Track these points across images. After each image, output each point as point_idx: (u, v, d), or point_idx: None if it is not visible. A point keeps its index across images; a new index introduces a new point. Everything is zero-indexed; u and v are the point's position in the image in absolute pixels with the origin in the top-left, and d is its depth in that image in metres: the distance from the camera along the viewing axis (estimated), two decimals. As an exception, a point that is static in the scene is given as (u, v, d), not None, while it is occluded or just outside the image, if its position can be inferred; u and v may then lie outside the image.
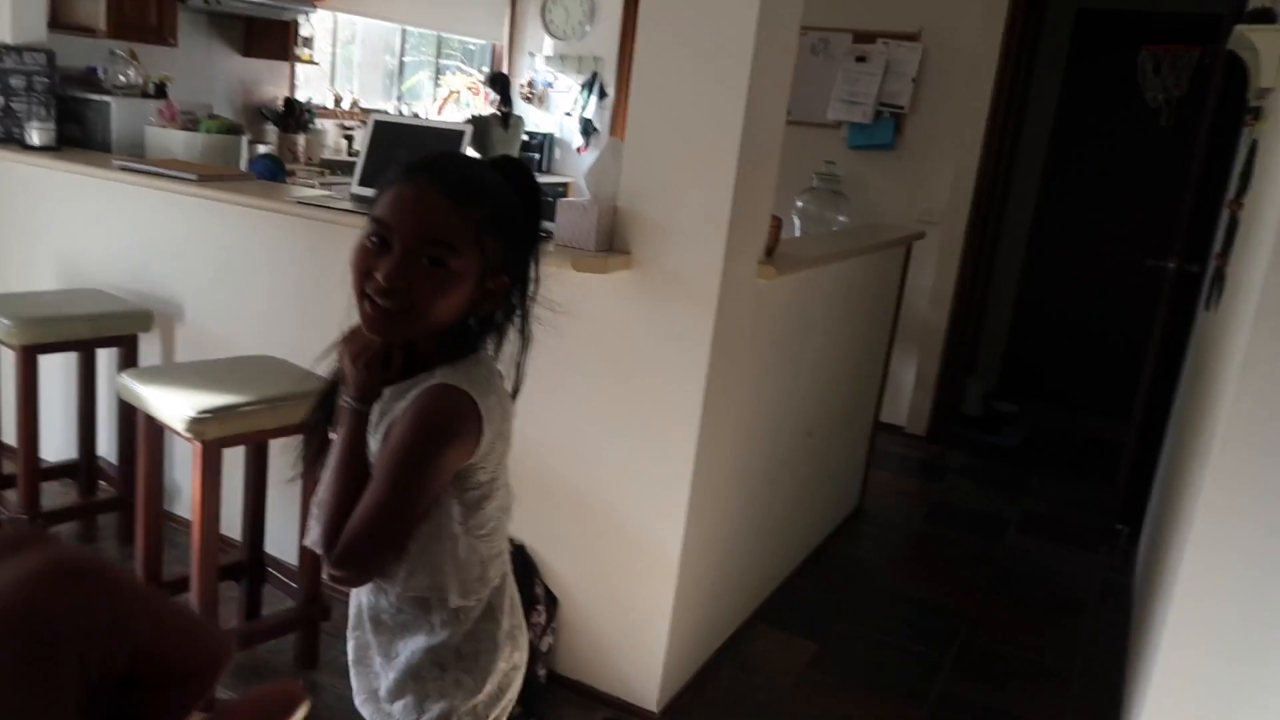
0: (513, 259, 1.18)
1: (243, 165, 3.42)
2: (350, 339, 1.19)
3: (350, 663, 1.31)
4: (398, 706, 1.23)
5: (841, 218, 4.37)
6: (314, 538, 1.19)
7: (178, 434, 2.10)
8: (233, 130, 3.45)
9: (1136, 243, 5.02)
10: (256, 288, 2.81)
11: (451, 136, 2.70)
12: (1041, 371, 5.81)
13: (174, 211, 2.88)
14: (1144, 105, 5.25)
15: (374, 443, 1.17)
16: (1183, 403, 3.32)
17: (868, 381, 3.81)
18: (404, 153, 2.69)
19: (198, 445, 2.06)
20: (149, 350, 2.92)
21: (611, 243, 2.29)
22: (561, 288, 2.29)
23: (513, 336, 1.25)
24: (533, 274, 1.23)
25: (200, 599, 2.16)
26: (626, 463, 2.37)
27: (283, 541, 2.65)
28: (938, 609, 3.24)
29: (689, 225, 2.21)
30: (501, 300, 1.19)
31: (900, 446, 4.92)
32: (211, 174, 2.81)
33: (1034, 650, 3.03)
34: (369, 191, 2.62)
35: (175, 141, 3.25)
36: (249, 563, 2.54)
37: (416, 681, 1.22)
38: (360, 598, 1.27)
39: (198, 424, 2.03)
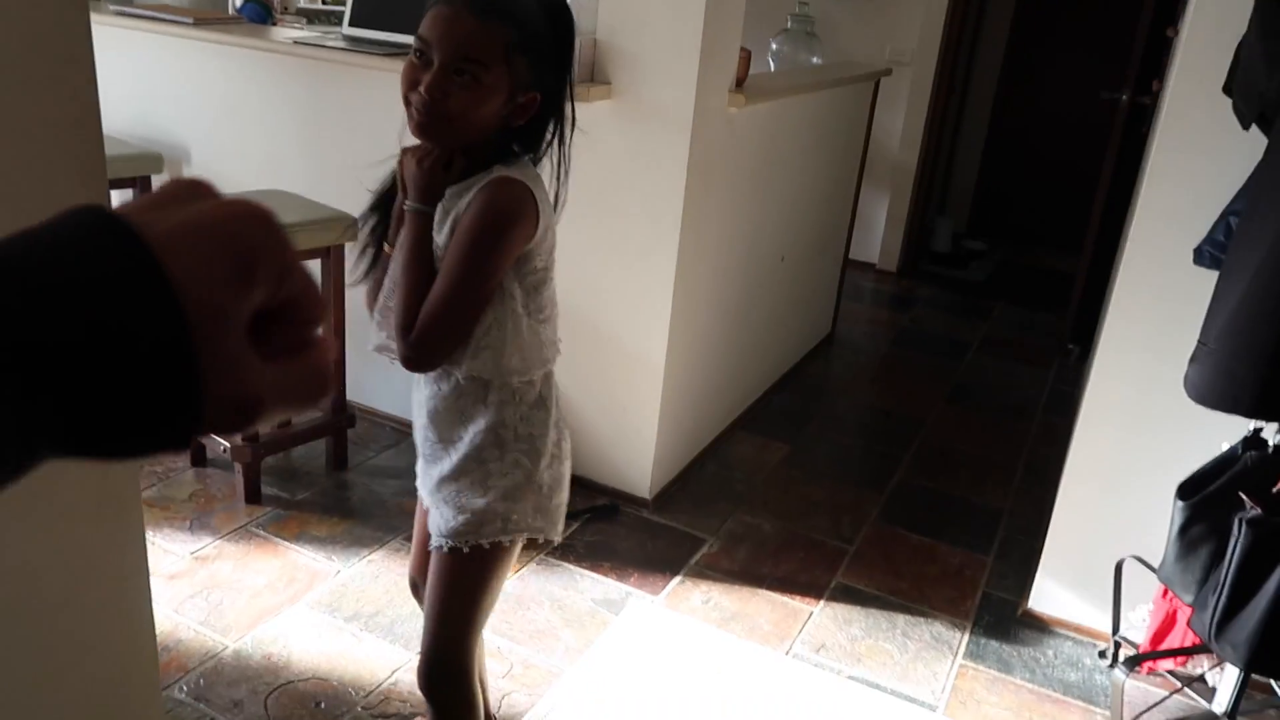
0: (542, 78, 1.26)
1: (229, 11, 3.51)
2: (412, 150, 1.30)
3: (420, 457, 1.44)
4: (463, 483, 1.34)
5: (815, 59, 4.49)
6: (381, 338, 1.32)
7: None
8: (217, -22, 3.52)
9: (1099, 78, 5.16)
10: (258, 127, 2.98)
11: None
12: (1009, 210, 6.03)
13: (171, 56, 3.02)
14: (1113, -61, 5.29)
15: (440, 239, 1.27)
16: (1126, 227, 3.57)
17: (838, 215, 4.03)
18: (390, -6, 2.80)
19: (227, 267, 2.28)
20: (160, 195, 3.10)
21: (593, 74, 2.46)
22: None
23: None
24: (566, 97, 1.31)
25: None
26: (614, 279, 2.61)
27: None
28: (899, 417, 3.57)
29: (663, 56, 2.38)
30: (534, 115, 1.28)
31: (872, 281, 5.19)
32: (205, 18, 2.93)
33: (984, 448, 3.38)
34: (360, 31, 2.77)
35: (163, -10, 3.33)
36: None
37: (479, 463, 1.33)
38: (422, 391, 1.37)
39: (226, 246, 2.25)
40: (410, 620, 2.22)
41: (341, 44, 2.68)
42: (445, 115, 1.21)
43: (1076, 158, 5.65)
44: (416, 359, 1.28)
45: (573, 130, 1.34)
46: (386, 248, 1.35)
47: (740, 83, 2.66)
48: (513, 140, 1.30)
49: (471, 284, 1.24)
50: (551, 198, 1.34)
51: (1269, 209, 1.52)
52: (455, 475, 1.35)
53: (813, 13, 4.48)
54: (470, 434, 1.33)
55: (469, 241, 1.23)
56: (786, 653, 2.25)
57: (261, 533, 2.52)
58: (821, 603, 2.44)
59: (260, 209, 0.35)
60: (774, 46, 4.52)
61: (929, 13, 4.92)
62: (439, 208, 1.28)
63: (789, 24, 4.56)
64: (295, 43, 2.68)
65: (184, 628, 2.14)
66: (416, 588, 1.64)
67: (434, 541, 1.39)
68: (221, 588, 2.29)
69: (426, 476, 1.42)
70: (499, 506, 1.35)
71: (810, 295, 3.92)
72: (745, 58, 2.67)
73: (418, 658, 1.51)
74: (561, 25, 1.29)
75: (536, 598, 2.35)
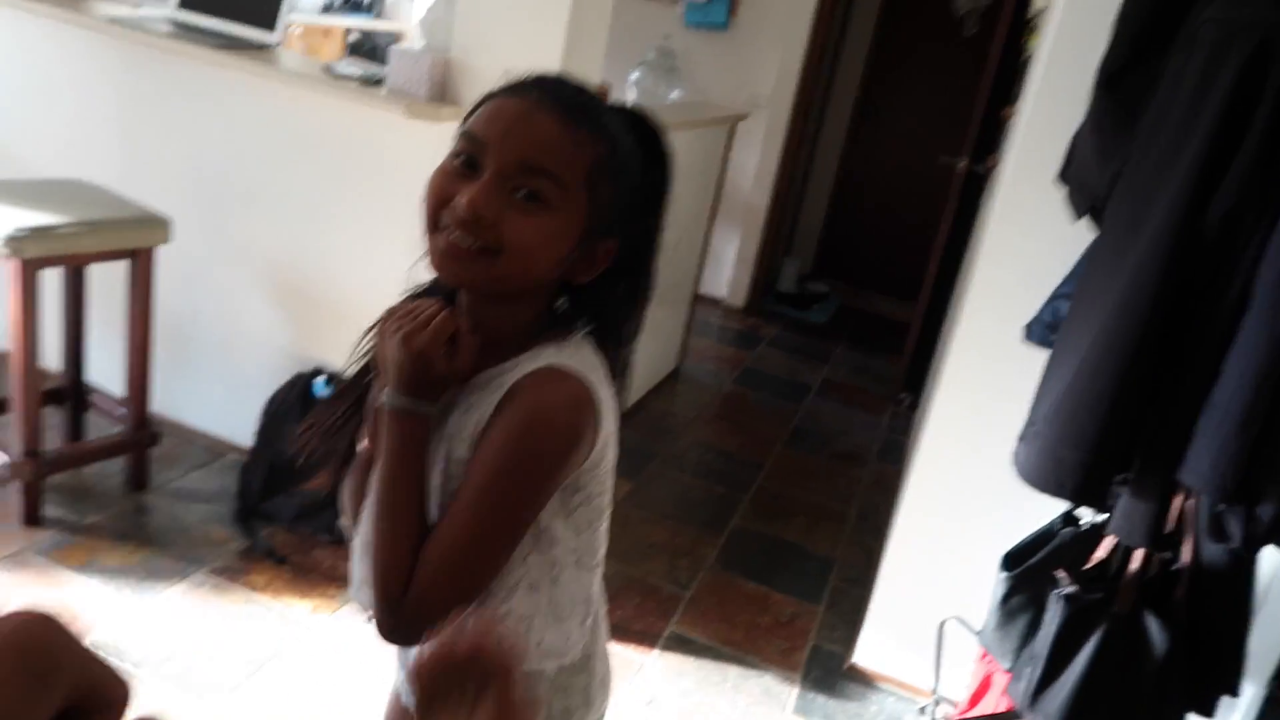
0: (626, 221, 0.93)
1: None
2: (400, 315, 0.89)
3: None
4: None
5: (675, 94, 4.50)
6: (366, 597, 0.90)
7: (-8, 252, 2.06)
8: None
9: (941, 141, 5.42)
10: (64, 108, 2.69)
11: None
12: (852, 255, 6.25)
13: (-30, 22, 2.69)
14: (955, 13, 5.59)
15: (455, 449, 0.90)
16: (958, 288, 3.73)
17: (690, 251, 4.04)
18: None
19: (16, 263, 2.03)
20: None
21: (444, 93, 2.34)
22: (393, 135, 2.36)
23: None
24: (652, 256, 0.98)
25: (25, 422, 2.17)
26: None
27: (104, 369, 2.63)
28: (739, 459, 3.58)
29: (523, 80, 2.29)
30: (604, 272, 0.93)
31: (719, 318, 5.24)
32: (14, -16, 2.62)
33: (818, 494, 3.43)
34: (190, 16, 2.55)
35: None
36: (70, 389, 2.52)
37: None
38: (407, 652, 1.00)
39: (15, 242, 2.00)
40: (206, 664, 2.02)
41: (167, 28, 2.45)
42: (491, 246, 0.84)
43: (916, 211, 5.90)
44: (403, 632, 0.88)
45: (648, 292, 0.99)
46: (359, 445, 0.98)
47: (602, 114, 2.60)
48: (569, 301, 0.96)
49: (498, 531, 0.87)
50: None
51: (1094, 300, 1.57)
52: None
53: (675, 47, 4.50)
54: None
55: (496, 468, 0.85)
56: (613, 705, 2.17)
57: (40, 559, 2.24)
58: (655, 652, 2.38)
59: (40, 614, 0.35)
60: (634, 76, 4.50)
61: (785, 57, 5.03)
62: (449, 404, 0.91)
63: (650, 56, 4.57)
64: (112, 21, 2.43)
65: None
66: None
67: None
68: (-17, 627, 2.01)
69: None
70: None
71: (658, 330, 3.90)
72: (604, 92, 2.61)
73: None
74: (656, 156, 0.97)
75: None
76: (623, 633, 2.42)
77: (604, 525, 0.99)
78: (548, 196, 0.85)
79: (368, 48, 5.82)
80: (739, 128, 4.17)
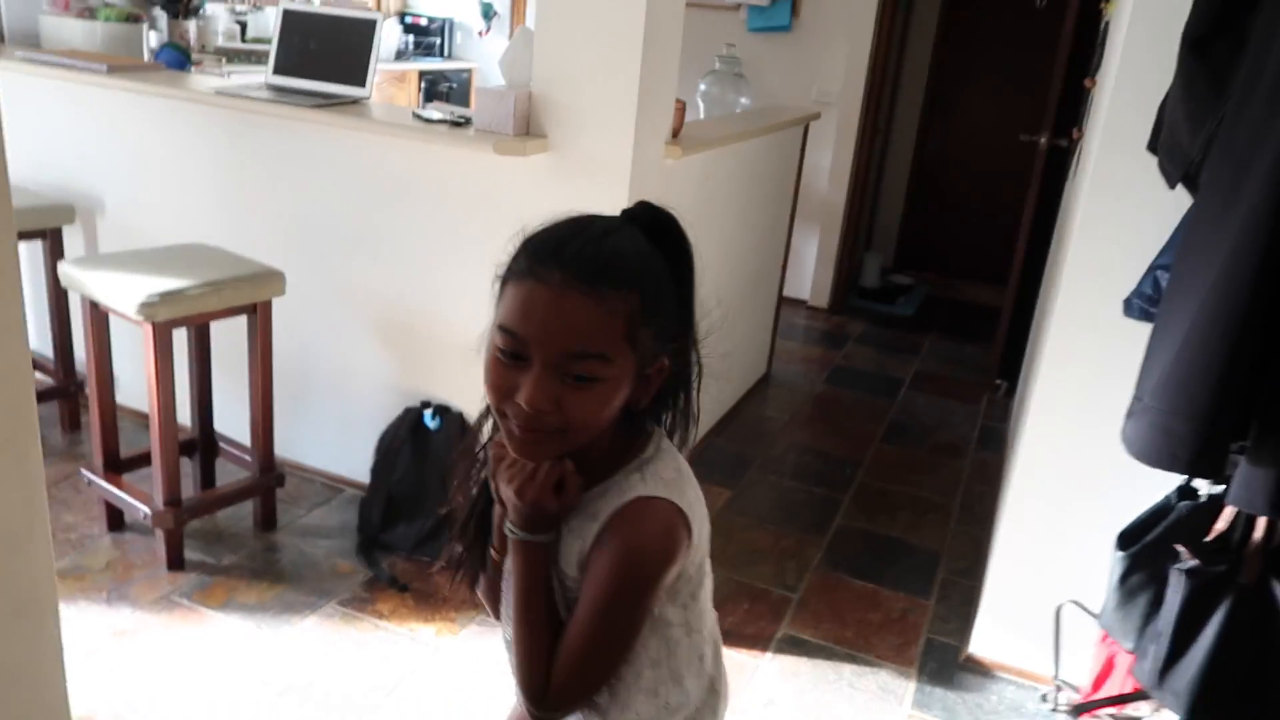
0: (669, 338, 0.99)
1: (145, 54, 3.40)
2: (509, 464, 0.99)
3: None
4: None
5: (743, 100, 4.55)
6: (519, 688, 1.04)
7: (126, 318, 2.23)
8: (132, 18, 3.41)
9: (1017, 120, 5.34)
10: (176, 178, 2.88)
11: (363, 26, 2.76)
12: (934, 244, 6.18)
13: (84, 104, 2.91)
14: (1025, -14, 5.49)
15: (566, 569, 1.01)
16: (1049, 267, 3.67)
17: (772, 256, 4.07)
18: (315, 43, 2.76)
19: (148, 328, 2.19)
20: (72, 243, 2.98)
21: (529, 127, 2.44)
22: (484, 171, 2.47)
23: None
24: (693, 342, 1.05)
25: (164, 473, 2.33)
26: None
27: (229, 419, 2.80)
28: (837, 458, 3.59)
29: (600, 109, 2.37)
30: (664, 382, 1.01)
31: (804, 319, 5.25)
32: (120, 65, 2.83)
33: (920, 488, 3.42)
34: (285, 80, 2.71)
35: (73, 31, 3.21)
36: (200, 440, 2.69)
37: None
38: None
39: (149, 307, 2.16)
40: (344, 688, 2.14)
41: (265, 94, 2.61)
42: (560, 427, 0.92)
43: (996, 193, 5.81)
44: (547, 716, 1.03)
45: (697, 367, 1.06)
46: (493, 555, 1.10)
47: (676, 133, 2.67)
48: (645, 417, 1.04)
49: (615, 637, 0.99)
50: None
51: (1197, 268, 1.56)
52: None
53: (739, 54, 4.54)
54: None
55: (606, 595, 0.96)
56: (732, 709, 2.21)
57: (185, 602, 2.40)
58: (768, 654, 2.42)
59: None
60: (702, 88, 4.56)
61: (853, 53, 5.02)
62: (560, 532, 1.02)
63: (717, 65, 4.62)
64: (217, 92, 2.60)
65: (103, 713, 2.02)
66: None
67: None
68: (143, 664, 2.17)
69: None
70: None
71: (746, 337, 3.94)
72: (680, 109, 2.68)
73: None
74: (679, 258, 1.02)
75: (478, 662, 2.28)
76: (735, 638, 2.46)
77: (706, 589, 1.09)
78: (597, 373, 0.91)
79: (442, 88, 6.02)
80: (811, 127, 4.18)
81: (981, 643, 2.43)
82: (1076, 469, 2.23)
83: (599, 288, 0.89)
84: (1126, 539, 1.83)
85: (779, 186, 3.95)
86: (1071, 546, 2.25)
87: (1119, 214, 2.08)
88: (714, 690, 1.14)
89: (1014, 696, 2.34)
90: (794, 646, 2.46)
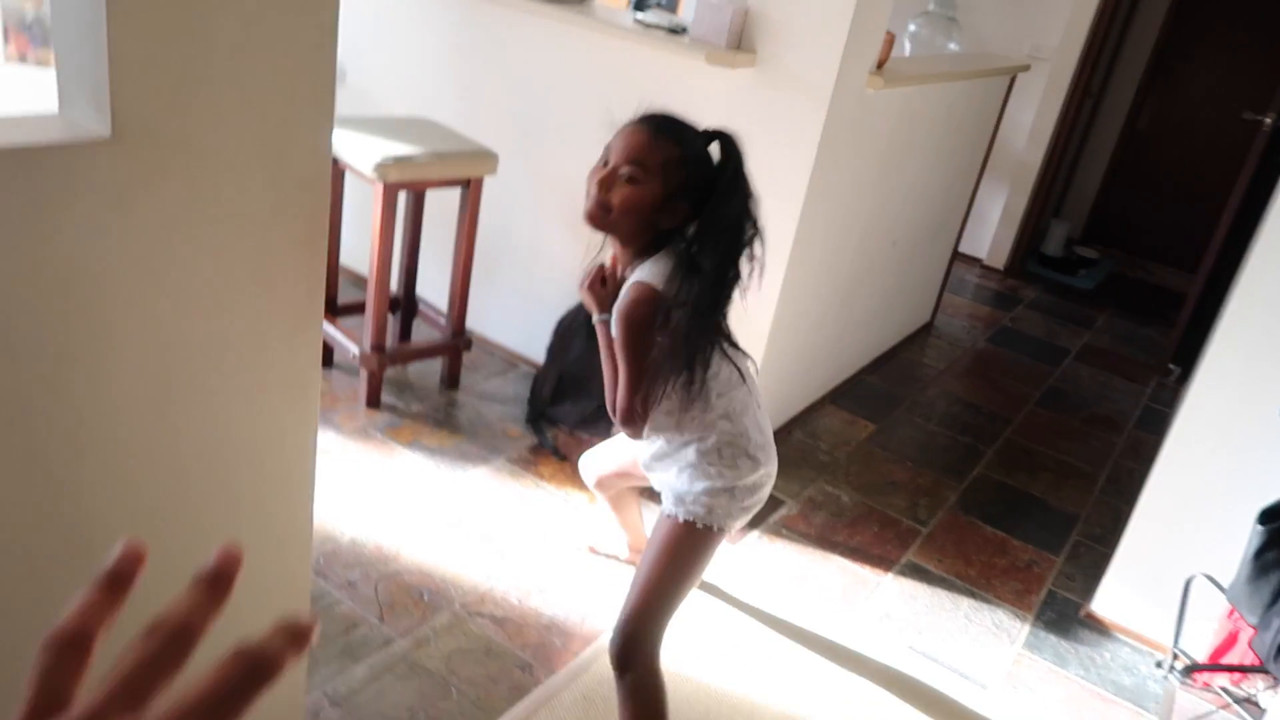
0: (691, 193, 1.52)
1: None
2: (580, 284, 1.66)
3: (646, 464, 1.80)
4: (681, 478, 1.68)
5: (952, 45, 4.47)
6: (613, 416, 1.65)
7: (362, 176, 2.51)
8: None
9: (1244, 97, 5.01)
10: (413, 55, 3.16)
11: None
12: (1128, 222, 5.91)
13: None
14: (1284, -47, 5.09)
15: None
16: (1248, 256, 3.51)
17: (954, 206, 4.05)
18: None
19: (379, 187, 2.47)
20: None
21: (740, 41, 2.55)
22: (694, 79, 2.61)
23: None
24: (721, 214, 1.53)
25: (374, 321, 2.64)
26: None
27: (431, 284, 3.10)
28: (987, 412, 3.62)
29: (811, 29, 2.46)
30: (680, 221, 1.55)
31: (977, 276, 5.18)
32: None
33: (1068, 453, 3.41)
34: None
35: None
36: (404, 299, 3.01)
37: (690, 471, 1.66)
38: (642, 449, 1.74)
39: (383, 168, 2.43)
40: (505, 531, 2.41)
41: (503, -12, 2.81)
42: (606, 205, 1.52)
43: (1206, 175, 5.50)
44: (629, 431, 1.64)
45: (754, 248, 1.56)
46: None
47: (881, 64, 2.72)
48: (666, 239, 1.57)
49: (633, 370, 1.56)
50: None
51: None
52: (674, 479, 1.69)
53: (956, -2, 4.45)
54: (683, 460, 1.67)
55: (620, 342, 1.57)
56: (850, 617, 2.37)
57: (379, 435, 2.73)
58: (890, 575, 2.55)
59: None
60: (912, 29, 4.51)
61: (1076, 8, 4.82)
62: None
63: (931, 6, 4.54)
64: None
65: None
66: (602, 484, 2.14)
67: (667, 510, 1.69)
68: (342, 480, 2.51)
69: (652, 465, 1.76)
70: (716, 503, 1.65)
71: (915, 282, 3.97)
72: (889, 40, 2.72)
73: (610, 632, 1.71)
74: (731, 163, 1.54)
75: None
76: (860, 555, 2.60)
77: (731, 391, 1.63)
78: (637, 177, 1.51)
79: None
80: (1018, 81, 4.09)
81: (1104, 602, 2.48)
82: (1230, 445, 2.23)
83: (654, 134, 1.53)
84: (1269, 515, 1.85)
85: (974, 136, 3.91)
86: (1213, 521, 2.26)
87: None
88: (730, 420, 1.64)
89: (1128, 658, 2.39)
90: (916, 573, 2.58)
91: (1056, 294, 5.18)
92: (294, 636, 0.35)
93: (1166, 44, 5.55)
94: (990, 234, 5.30)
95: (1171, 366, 4.23)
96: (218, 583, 0.37)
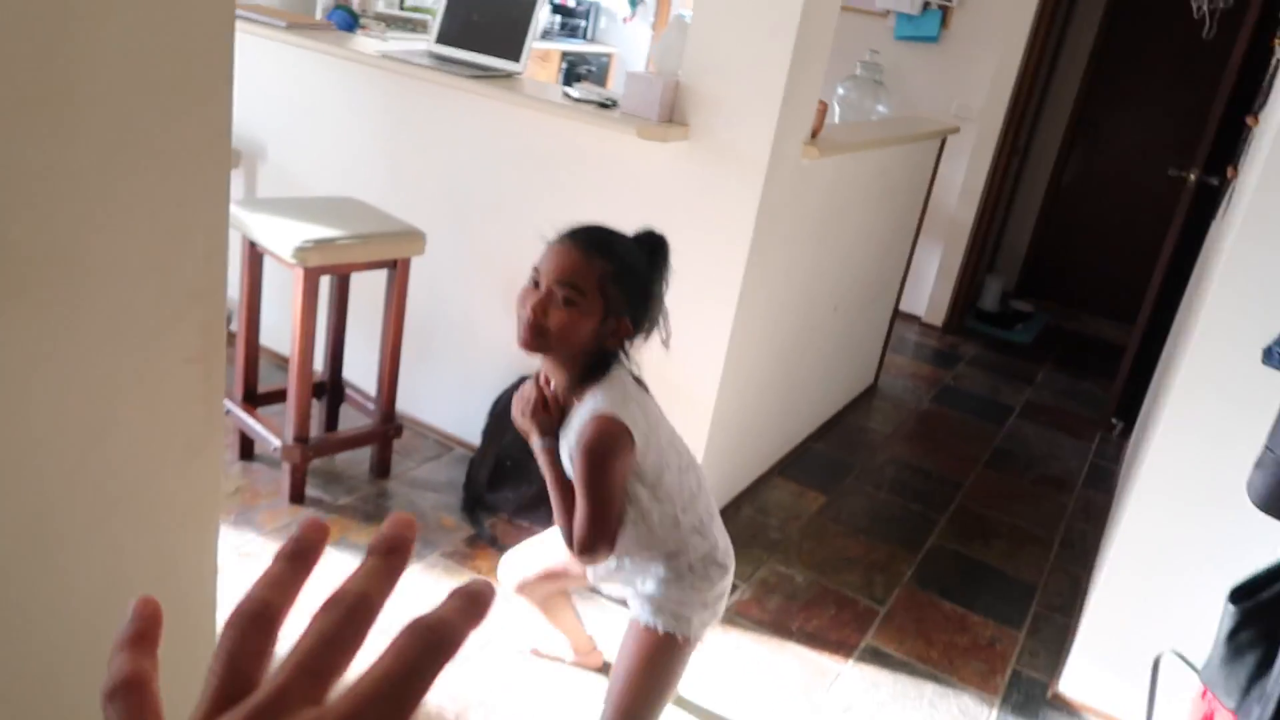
0: (635, 306, 1.49)
1: (318, 14, 3.58)
2: (515, 402, 1.59)
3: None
4: (653, 587, 1.62)
5: (881, 108, 4.50)
6: (567, 545, 1.58)
7: (281, 261, 2.37)
8: (307, -19, 3.60)
9: (1167, 153, 5.14)
10: (337, 133, 3.04)
11: (524, 2, 2.85)
12: (1060, 274, 6.00)
13: (258, 55, 3.08)
14: (1191, 16, 5.27)
15: (566, 465, 1.54)
16: (1183, 309, 3.55)
17: (892, 268, 4.03)
18: (477, 15, 2.86)
19: (300, 271, 2.33)
20: (233, 185, 3.17)
21: (672, 114, 2.49)
22: (625, 153, 2.54)
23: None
24: (658, 319, 1.56)
25: (296, 411, 2.48)
26: (674, 316, 2.62)
27: (358, 367, 2.95)
28: (937, 477, 3.56)
29: (745, 101, 2.40)
30: (624, 338, 1.52)
31: (917, 334, 5.18)
32: (298, 22, 2.99)
33: (1020, 517, 3.36)
34: (446, 49, 2.82)
35: (253, -11, 3.41)
36: (330, 383, 2.84)
37: (663, 584, 1.61)
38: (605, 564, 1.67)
39: (303, 252, 2.29)
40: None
41: (427, 61, 2.73)
42: (543, 330, 1.45)
43: (1134, 228, 5.61)
44: (586, 560, 1.58)
45: (651, 328, 1.57)
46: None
47: (815, 133, 2.68)
48: (610, 358, 1.53)
49: (599, 507, 1.49)
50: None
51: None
52: (646, 592, 1.65)
53: (883, 61, 4.50)
54: (652, 576, 1.62)
55: (584, 479, 1.48)
56: (814, 709, 2.24)
57: (302, 533, 2.54)
58: (850, 662, 2.43)
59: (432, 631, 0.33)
60: (840, 92, 4.53)
61: (1000, 70, 4.91)
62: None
63: (858, 70, 4.58)
64: (383, 56, 2.73)
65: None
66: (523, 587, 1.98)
67: (644, 620, 1.63)
68: (261, 586, 2.32)
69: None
70: (695, 615, 1.62)
71: (858, 345, 3.92)
72: (822, 110, 2.69)
73: None
74: (659, 264, 1.55)
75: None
76: (818, 641, 2.48)
77: (668, 476, 1.55)
78: (573, 299, 1.44)
79: (582, 69, 6.13)
80: (947, 142, 4.12)
81: (1071, 682, 2.39)
82: (1191, 515, 2.17)
83: (587, 250, 1.46)
84: (1240, 594, 1.78)
85: (908, 198, 3.91)
86: (1178, 595, 2.20)
87: (1268, 260, 2.01)
88: (702, 534, 1.61)
89: (1099, 739, 2.30)
90: (877, 658, 2.46)
91: (995, 349, 5.20)
92: (473, 603, 0.33)
93: (1086, 102, 5.69)
94: (927, 291, 5.31)
95: (1114, 421, 4.24)
96: (394, 552, 0.35)
